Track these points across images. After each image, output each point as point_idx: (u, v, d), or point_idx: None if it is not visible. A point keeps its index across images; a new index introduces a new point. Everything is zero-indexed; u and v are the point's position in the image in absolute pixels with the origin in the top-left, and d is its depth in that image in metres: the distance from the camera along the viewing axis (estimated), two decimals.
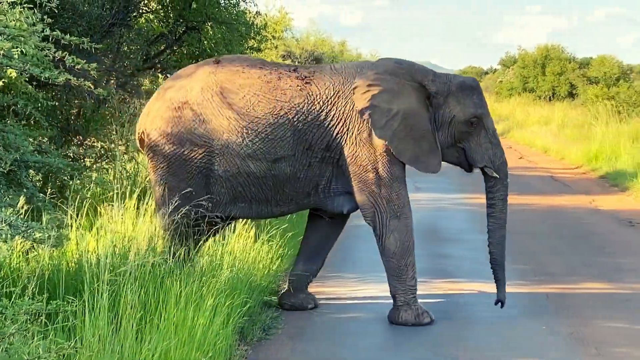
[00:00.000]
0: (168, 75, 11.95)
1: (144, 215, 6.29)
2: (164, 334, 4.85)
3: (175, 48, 10.84)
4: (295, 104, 6.30)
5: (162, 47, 10.56)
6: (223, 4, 10.66)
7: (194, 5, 10.05)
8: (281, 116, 6.28)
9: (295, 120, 6.29)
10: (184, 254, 6.06)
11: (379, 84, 6.36)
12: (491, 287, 7.61)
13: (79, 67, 5.33)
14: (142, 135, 6.54)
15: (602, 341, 6.20)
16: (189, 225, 6.27)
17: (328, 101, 6.34)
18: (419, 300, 6.62)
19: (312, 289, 7.22)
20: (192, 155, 6.31)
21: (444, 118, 6.53)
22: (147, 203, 6.47)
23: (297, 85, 6.37)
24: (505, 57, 44.15)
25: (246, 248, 6.96)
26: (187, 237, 6.32)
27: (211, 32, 10.86)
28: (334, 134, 6.34)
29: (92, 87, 5.44)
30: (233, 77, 6.39)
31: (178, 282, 5.36)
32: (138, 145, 6.74)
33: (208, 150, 6.30)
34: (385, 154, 6.38)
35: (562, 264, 8.70)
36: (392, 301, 6.62)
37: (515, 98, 34.56)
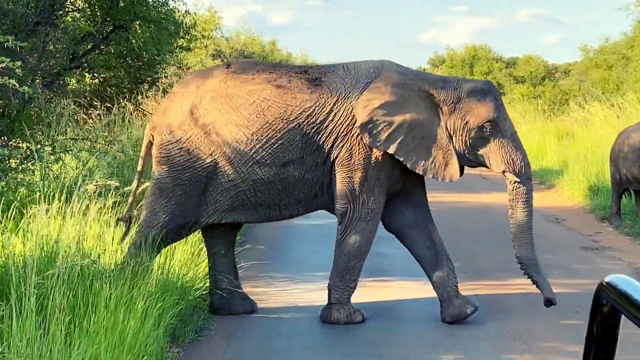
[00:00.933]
0: (95, 75, 11.77)
1: (72, 216, 6.17)
2: (94, 338, 4.77)
3: (102, 47, 10.69)
4: (305, 107, 6.23)
5: (89, 46, 10.40)
6: (151, 3, 10.55)
7: (121, 4, 9.92)
8: (291, 120, 6.21)
9: (305, 123, 6.23)
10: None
11: (380, 97, 6.26)
12: (421, 285, 7.68)
13: (3, 65, 5.21)
14: (151, 137, 6.49)
15: (531, 336, 6.30)
16: (176, 234, 6.39)
17: (337, 102, 6.27)
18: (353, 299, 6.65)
19: (247, 288, 7.20)
20: (197, 163, 6.24)
21: (456, 125, 6.38)
22: (74, 204, 6.35)
23: (308, 88, 6.30)
24: (434, 57, 44.57)
25: (178, 249, 6.89)
26: (166, 244, 6.41)
27: (139, 31, 10.74)
28: (339, 133, 6.28)
29: (17, 86, 5.32)
30: (243, 84, 6.30)
31: (108, 285, 5.28)
32: (144, 146, 6.62)
33: (214, 159, 6.23)
34: (379, 159, 6.33)
35: (491, 261, 8.82)
36: (324, 300, 6.63)
37: None
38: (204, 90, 6.33)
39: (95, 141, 9.25)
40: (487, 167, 6.58)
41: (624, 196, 11.16)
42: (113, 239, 6.52)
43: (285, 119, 6.20)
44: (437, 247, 6.81)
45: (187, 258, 6.97)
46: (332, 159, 6.33)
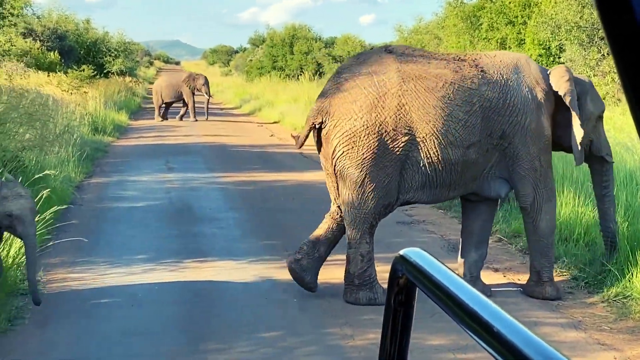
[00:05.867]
0: None
1: None
2: None
3: None
4: (482, 92, 6.49)
5: None
6: None
7: None
8: (473, 103, 6.45)
9: (483, 107, 6.48)
10: None
11: (570, 72, 6.86)
12: (243, 265, 7.72)
13: None
14: (328, 122, 6.43)
15: (350, 310, 6.47)
16: (382, 215, 6.56)
17: (502, 89, 6.57)
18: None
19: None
20: (394, 144, 6.35)
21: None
22: None
23: (478, 74, 6.56)
24: (255, 36, 44.76)
25: None
26: (374, 227, 6.59)
27: None
28: (510, 122, 6.57)
29: None
30: (425, 67, 6.48)
31: None
32: (306, 128, 6.56)
33: (410, 138, 6.36)
34: (546, 144, 6.76)
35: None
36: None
37: (265, 77, 35.13)
38: (388, 74, 6.37)
39: None
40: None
41: None
42: None
43: (470, 102, 6.44)
44: (488, 230, 7.21)
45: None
46: (501, 148, 6.61)
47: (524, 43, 17.91)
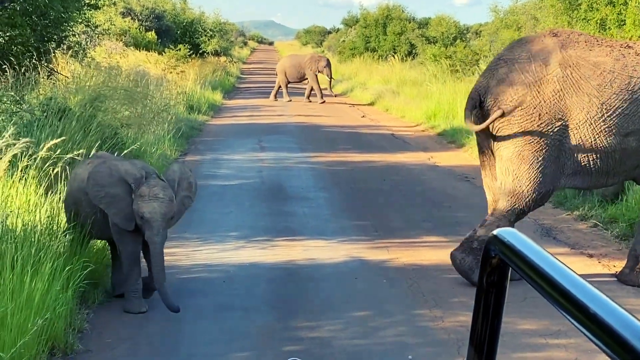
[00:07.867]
0: (0, 33, 11.42)
1: None
2: (0, 300, 4.69)
3: (6, 4, 10.37)
4: None
5: None
6: None
7: None
8: (634, 92, 6.44)
9: None
10: None
11: None
12: (332, 244, 7.75)
13: None
14: (486, 101, 6.58)
15: (440, 292, 6.44)
16: (536, 201, 6.62)
17: None
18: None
19: None
20: (548, 128, 6.45)
21: None
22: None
23: None
24: (348, 17, 44.64)
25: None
26: (524, 213, 6.69)
27: None
28: None
29: None
30: (585, 54, 6.53)
31: (13, 246, 5.19)
32: (468, 109, 6.70)
33: (564, 124, 6.44)
34: None
35: (402, 218, 8.94)
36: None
37: (358, 57, 35.02)
38: (547, 59, 6.48)
39: (1, 101, 8.99)
40: None
41: None
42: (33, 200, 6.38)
43: (630, 91, 6.42)
44: None
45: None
46: None
47: (625, 24, 17.39)
